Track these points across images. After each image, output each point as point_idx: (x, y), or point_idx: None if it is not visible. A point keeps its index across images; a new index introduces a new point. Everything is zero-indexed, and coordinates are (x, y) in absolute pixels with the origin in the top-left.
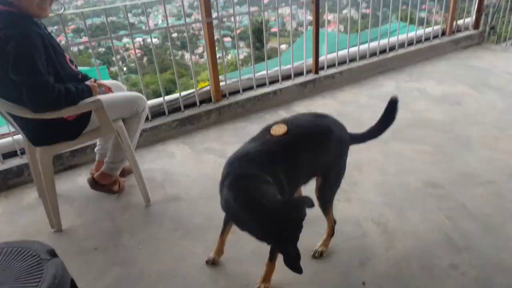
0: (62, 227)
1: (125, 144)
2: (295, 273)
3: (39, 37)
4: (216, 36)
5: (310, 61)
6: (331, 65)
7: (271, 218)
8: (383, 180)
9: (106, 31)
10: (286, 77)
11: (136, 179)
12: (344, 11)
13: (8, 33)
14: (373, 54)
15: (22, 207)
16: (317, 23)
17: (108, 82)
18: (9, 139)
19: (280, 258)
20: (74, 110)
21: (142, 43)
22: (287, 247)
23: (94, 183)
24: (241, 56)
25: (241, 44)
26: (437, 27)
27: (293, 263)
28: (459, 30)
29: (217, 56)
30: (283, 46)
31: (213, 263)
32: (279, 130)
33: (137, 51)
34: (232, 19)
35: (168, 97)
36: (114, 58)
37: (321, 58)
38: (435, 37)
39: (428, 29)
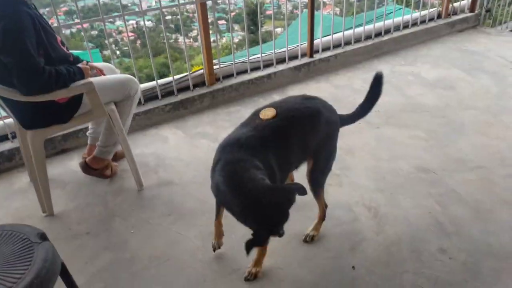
0: (53, 211)
1: (117, 127)
2: (245, 250)
3: (29, 18)
4: (210, 19)
5: (305, 44)
6: (326, 49)
7: (255, 204)
8: (375, 165)
9: (98, 14)
10: (281, 60)
11: (128, 163)
12: None
13: None
14: (368, 37)
15: (13, 191)
16: (312, 6)
17: (100, 64)
18: (0, 122)
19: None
20: (65, 93)
21: (135, 26)
22: (261, 232)
23: (86, 167)
24: (236, 40)
25: (236, 27)
26: (433, 10)
27: (251, 246)
28: (455, 13)
29: (212, 39)
30: (279, 30)
31: (218, 247)
32: (268, 114)
33: (130, 34)
34: (227, 0)
35: (161, 81)
36: (106, 41)
37: (316, 41)
38: (431, 20)
39: (424, 12)
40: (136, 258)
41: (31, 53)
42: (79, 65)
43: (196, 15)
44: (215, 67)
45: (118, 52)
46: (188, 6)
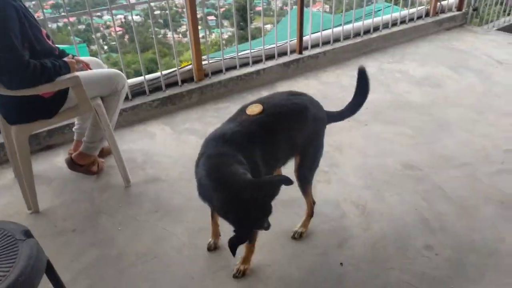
0: (39, 208)
1: (104, 123)
2: (230, 251)
3: (13, 10)
4: (200, 15)
5: (294, 41)
6: (315, 45)
7: (236, 198)
8: (363, 162)
9: (86, 7)
10: (270, 57)
11: (115, 159)
12: None
13: None
14: (357, 34)
15: None
16: (302, 2)
17: (87, 58)
18: None
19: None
20: (50, 87)
21: (123, 20)
22: (244, 228)
23: (72, 163)
24: (225, 36)
25: (225, 23)
26: (421, 8)
27: (235, 245)
28: (443, 11)
29: (201, 35)
30: (268, 26)
31: (215, 247)
32: (255, 109)
33: (118, 28)
34: None
35: (149, 76)
36: (94, 36)
37: (305, 38)
38: (419, 18)
39: (412, 10)
40: (123, 255)
41: (15, 46)
42: (65, 59)
43: (185, 10)
44: (203, 62)
45: (106, 47)
46: (177, 1)
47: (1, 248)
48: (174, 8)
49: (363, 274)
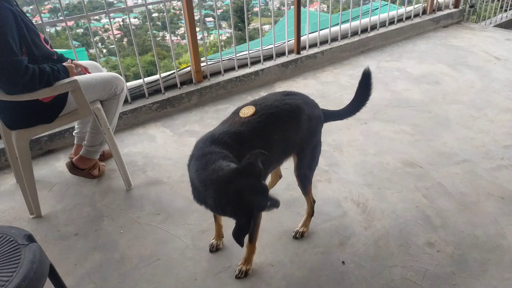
0: (41, 213)
1: (104, 126)
2: (237, 243)
3: (11, 14)
4: (197, 17)
5: (292, 41)
6: (313, 45)
7: (222, 190)
8: (363, 160)
9: (83, 11)
10: (268, 57)
11: (116, 162)
12: None
13: None
14: (354, 33)
15: None
16: (299, 2)
17: (85, 62)
18: None
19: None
20: (49, 92)
21: (121, 23)
22: (242, 218)
23: (73, 168)
24: (224, 37)
25: (223, 24)
26: (418, 6)
27: (239, 235)
28: (439, 9)
29: (199, 37)
30: (266, 27)
31: (217, 249)
32: (248, 111)
33: (117, 32)
34: None
35: (148, 79)
36: (92, 40)
37: (303, 38)
38: (416, 15)
39: (409, 8)
40: (125, 258)
41: (14, 51)
42: (64, 63)
43: (182, 12)
44: (202, 64)
45: (104, 51)
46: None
47: (4, 253)
48: (172, 11)
49: (365, 272)
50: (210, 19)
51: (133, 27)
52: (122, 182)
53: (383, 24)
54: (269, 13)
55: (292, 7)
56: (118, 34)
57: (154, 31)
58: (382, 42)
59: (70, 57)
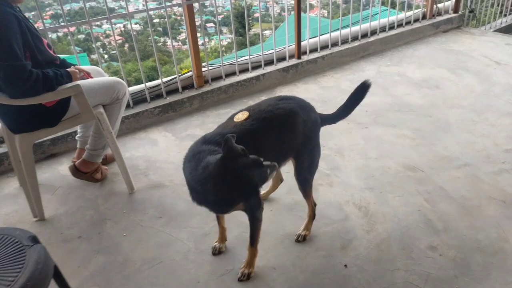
0: (44, 216)
1: (106, 130)
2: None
3: (15, 20)
4: (198, 22)
5: (293, 46)
6: (313, 50)
7: (221, 180)
8: (364, 164)
9: (85, 17)
10: (269, 62)
11: (118, 166)
12: None
13: None
14: (355, 38)
15: (3, 196)
16: (299, 8)
17: (87, 67)
18: None
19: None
20: (52, 96)
21: (123, 29)
22: (251, 195)
23: (76, 171)
24: (225, 43)
25: (224, 29)
26: (417, 11)
27: (259, 213)
28: (439, 14)
29: (200, 42)
30: (267, 32)
31: (219, 252)
32: (241, 116)
33: (118, 37)
34: (213, 1)
35: (149, 84)
36: (94, 45)
37: (303, 43)
38: (416, 20)
39: (409, 13)
40: (128, 261)
41: (18, 55)
42: (67, 69)
43: (184, 18)
44: (203, 69)
45: (106, 56)
46: (175, 9)
47: (9, 254)
48: (173, 16)
49: (367, 275)
50: (211, 24)
51: (134, 33)
52: (125, 185)
53: (383, 29)
54: (270, 19)
55: (292, 12)
56: (119, 39)
57: (156, 37)
58: (382, 47)
59: (72, 62)
